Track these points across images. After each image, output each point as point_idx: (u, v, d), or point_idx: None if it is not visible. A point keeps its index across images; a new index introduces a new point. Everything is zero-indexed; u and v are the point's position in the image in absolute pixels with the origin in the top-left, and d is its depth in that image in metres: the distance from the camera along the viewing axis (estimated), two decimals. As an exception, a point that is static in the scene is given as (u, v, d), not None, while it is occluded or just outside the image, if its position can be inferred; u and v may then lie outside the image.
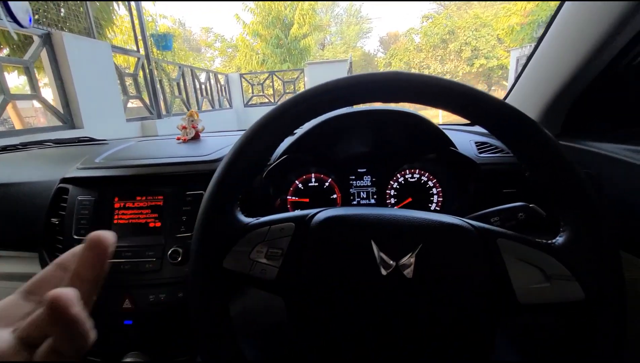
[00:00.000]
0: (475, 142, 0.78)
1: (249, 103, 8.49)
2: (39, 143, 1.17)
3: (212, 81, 7.34)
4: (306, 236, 0.38)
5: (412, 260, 0.34)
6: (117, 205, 0.64)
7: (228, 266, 0.37)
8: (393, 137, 0.75)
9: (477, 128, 0.91)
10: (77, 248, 0.26)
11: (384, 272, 0.34)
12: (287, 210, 0.78)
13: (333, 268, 0.36)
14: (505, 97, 0.82)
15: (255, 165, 0.39)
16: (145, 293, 0.60)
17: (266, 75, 8.66)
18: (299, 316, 0.38)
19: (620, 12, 0.49)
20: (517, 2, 11.19)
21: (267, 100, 8.52)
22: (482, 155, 0.73)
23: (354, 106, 0.68)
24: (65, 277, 0.25)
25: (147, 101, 4.84)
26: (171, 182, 0.65)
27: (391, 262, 0.35)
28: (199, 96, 6.67)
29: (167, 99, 5.32)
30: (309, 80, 7.67)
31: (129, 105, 4.45)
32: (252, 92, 8.60)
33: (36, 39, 3.04)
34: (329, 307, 0.36)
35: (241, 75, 8.33)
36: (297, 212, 0.40)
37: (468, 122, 1.01)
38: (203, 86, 6.88)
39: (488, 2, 15.64)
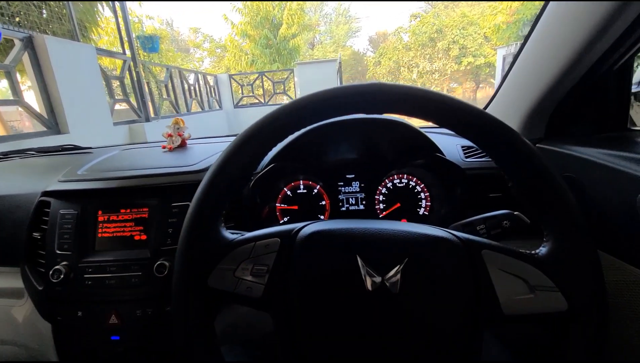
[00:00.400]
0: (462, 146, 0.79)
1: (239, 104, 8.42)
2: (20, 152, 1.13)
3: (201, 82, 7.26)
4: (292, 251, 0.38)
5: (398, 274, 0.34)
6: (100, 218, 0.63)
7: (212, 285, 0.37)
8: (381, 143, 0.76)
9: None
10: None
11: (370, 287, 0.34)
12: (275, 218, 0.77)
13: (319, 283, 0.36)
14: (490, 101, 0.83)
15: (238, 181, 0.39)
16: (131, 308, 0.59)
17: (256, 75, 8.61)
18: (286, 332, 0.38)
19: (601, 19, 0.49)
20: (502, 1, 11.36)
21: (257, 101, 8.47)
22: (468, 159, 0.74)
23: None
24: None
25: (135, 104, 4.76)
26: (156, 194, 0.63)
27: (377, 277, 0.34)
28: (188, 98, 6.58)
29: (155, 102, 5.24)
30: (298, 80, 7.65)
31: (116, 108, 4.37)
32: (242, 93, 8.54)
33: (17, 43, 2.96)
34: (315, 323, 0.36)
35: (230, 76, 8.26)
36: (282, 227, 0.40)
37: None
38: (192, 87, 6.80)
39: (474, 1, 15.83)
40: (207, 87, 7.59)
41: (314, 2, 21.96)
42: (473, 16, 16.30)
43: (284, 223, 0.77)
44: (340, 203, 0.78)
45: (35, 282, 0.63)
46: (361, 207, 0.78)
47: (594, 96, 0.63)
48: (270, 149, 0.39)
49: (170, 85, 5.84)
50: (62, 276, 0.58)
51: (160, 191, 0.64)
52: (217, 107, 7.97)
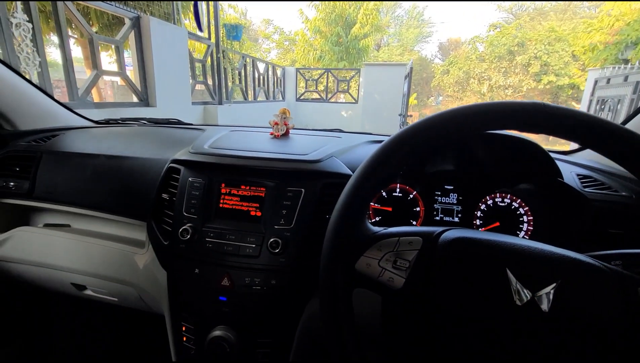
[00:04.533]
0: (577, 174, 0.74)
1: (301, 98, 8.64)
2: (136, 120, 1.29)
3: (270, 73, 7.57)
4: (434, 252, 0.39)
5: (551, 294, 0.34)
6: (223, 191, 0.70)
7: (359, 269, 0.40)
8: (489, 159, 0.74)
9: (576, 158, 0.86)
10: None
11: (518, 302, 0.35)
12: (367, 216, 0.79)
13: (463, 290, 0.37)
14: (629, 118, 0.76)
15: (389, 177, 0.41)
16: (242, 275, 0.65)
17: (321, 71, 8.74)
18: (421, 327, 0.40)
19: None
20: (604, 18, 10.17)
21: (318, 97, 8.61)
22: (587, 189, 0.69)
23: None
24: None
25: (211, 87, 5.12)
26: (274, 176, 0.69)
27: (528, 293, 0.35)
28: (257, 86, 6.90)
29: (228, 87, 5.59)
30: (364, 81, 7.63)
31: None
32: (305, 87, 8.73)
33: (127, 21, 3.34)
34: (455, 327, 0.37)
35: (297, 70, 8.49)
36: (424, 228, 0.42)
37: (566, 149, 0.95)
38: (261, 77, 7.12)
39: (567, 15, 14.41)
40: (275, 77, 7.89)
41: (388, 2, 21.47)
42: (562, 32, 14.86)
43: (375, 222, 0.79)
44: (435, 213, 0.78)
45: (161, 237, 0.72)
46: (456, 219, 0.77)
47: None
48: (421, 154, 0.41)
49: (243, 72, 6.18)
50: (188, 236, 0.66)
51: (277, 174, 0.69)
52: (281, 98, 8.25)
